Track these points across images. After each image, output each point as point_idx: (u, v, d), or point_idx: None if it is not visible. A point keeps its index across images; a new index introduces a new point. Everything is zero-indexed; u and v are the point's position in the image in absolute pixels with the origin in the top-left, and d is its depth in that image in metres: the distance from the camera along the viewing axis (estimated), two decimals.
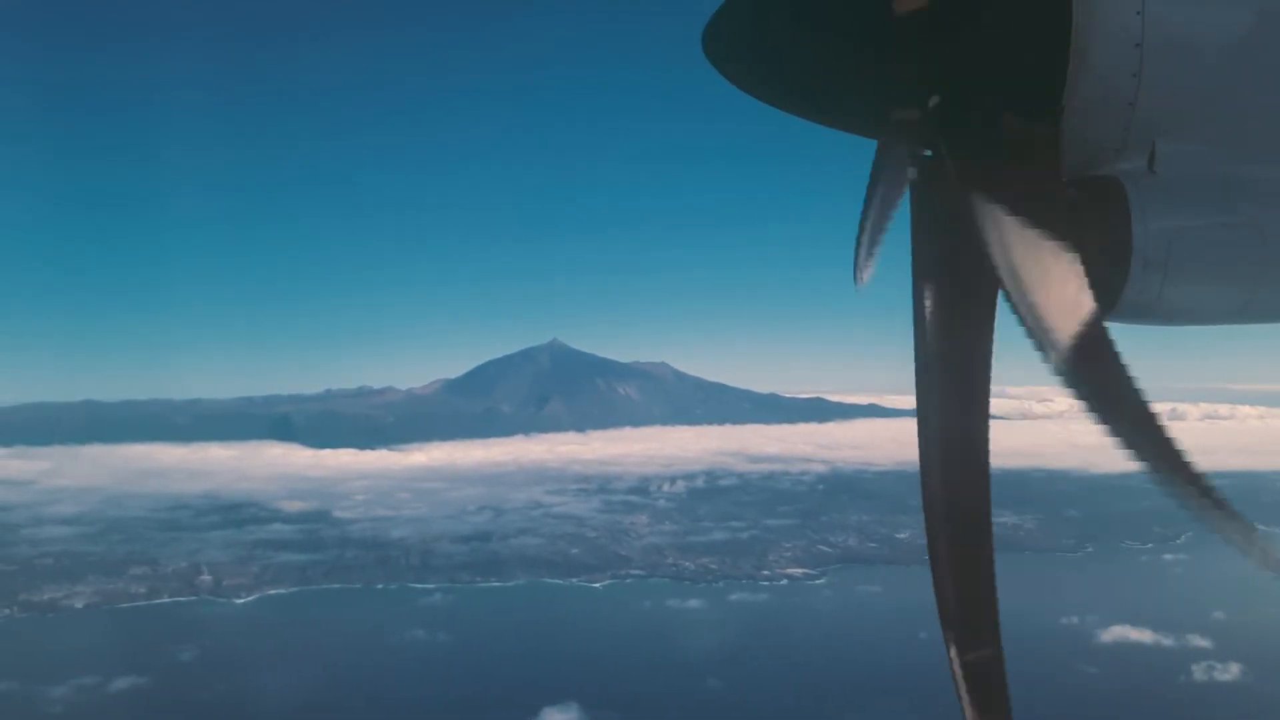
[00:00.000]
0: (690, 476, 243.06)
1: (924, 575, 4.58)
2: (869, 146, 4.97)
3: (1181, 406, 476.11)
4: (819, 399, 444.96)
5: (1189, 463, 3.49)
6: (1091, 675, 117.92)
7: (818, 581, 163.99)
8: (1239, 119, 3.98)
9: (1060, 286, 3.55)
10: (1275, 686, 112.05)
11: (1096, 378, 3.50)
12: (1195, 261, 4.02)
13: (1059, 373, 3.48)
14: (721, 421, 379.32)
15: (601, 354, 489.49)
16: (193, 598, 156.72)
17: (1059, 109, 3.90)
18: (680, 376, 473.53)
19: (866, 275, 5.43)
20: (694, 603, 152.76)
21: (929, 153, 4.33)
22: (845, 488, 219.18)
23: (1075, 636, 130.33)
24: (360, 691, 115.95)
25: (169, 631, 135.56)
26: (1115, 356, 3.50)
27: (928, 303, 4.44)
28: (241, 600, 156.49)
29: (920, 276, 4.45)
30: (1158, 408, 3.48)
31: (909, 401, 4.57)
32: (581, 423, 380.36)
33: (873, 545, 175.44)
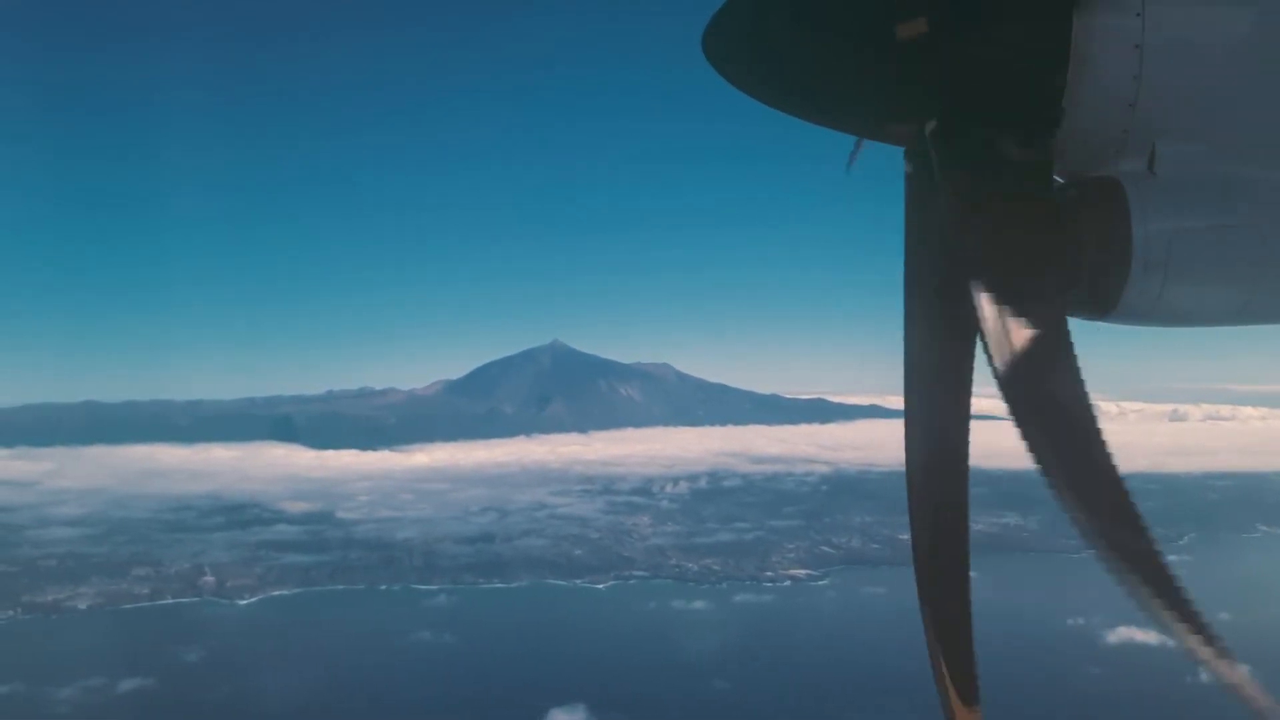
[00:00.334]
0: (693, 477, 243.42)
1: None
2: (873, 148, 4.96)
3: (1183, 407, 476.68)
4: (820, 400, 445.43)
5: (1132, 510, 3.49)
6: (1099, 676, 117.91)
7: (821, 583, 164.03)
8: (1239, 120, 3.99)
9: (1014, 310, 3.61)
10: None
11: (1034, 400, 3.58)
12: (1195, 263, 4.01)
13: (999, 383, 3.58)
14: (723, 422, 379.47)
15: (603, 355, 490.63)
16: (196, 599, 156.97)
17: (1058, 116, 3.91)
18: (682, 377, 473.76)
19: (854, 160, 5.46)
20: (699, 604, 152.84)
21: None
22: (848, 489, 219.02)
23: (1081, 638, 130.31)
24: (368, 693, 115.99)
25: (173, 633, 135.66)
26: (1065, 384, 3.56)
27: (917, 301, 4.47)
28: (245, 601, 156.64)
29: (912, 273, 4.48)
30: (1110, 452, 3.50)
31: None
32: (583, 424, 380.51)
33: (876, 546, 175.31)
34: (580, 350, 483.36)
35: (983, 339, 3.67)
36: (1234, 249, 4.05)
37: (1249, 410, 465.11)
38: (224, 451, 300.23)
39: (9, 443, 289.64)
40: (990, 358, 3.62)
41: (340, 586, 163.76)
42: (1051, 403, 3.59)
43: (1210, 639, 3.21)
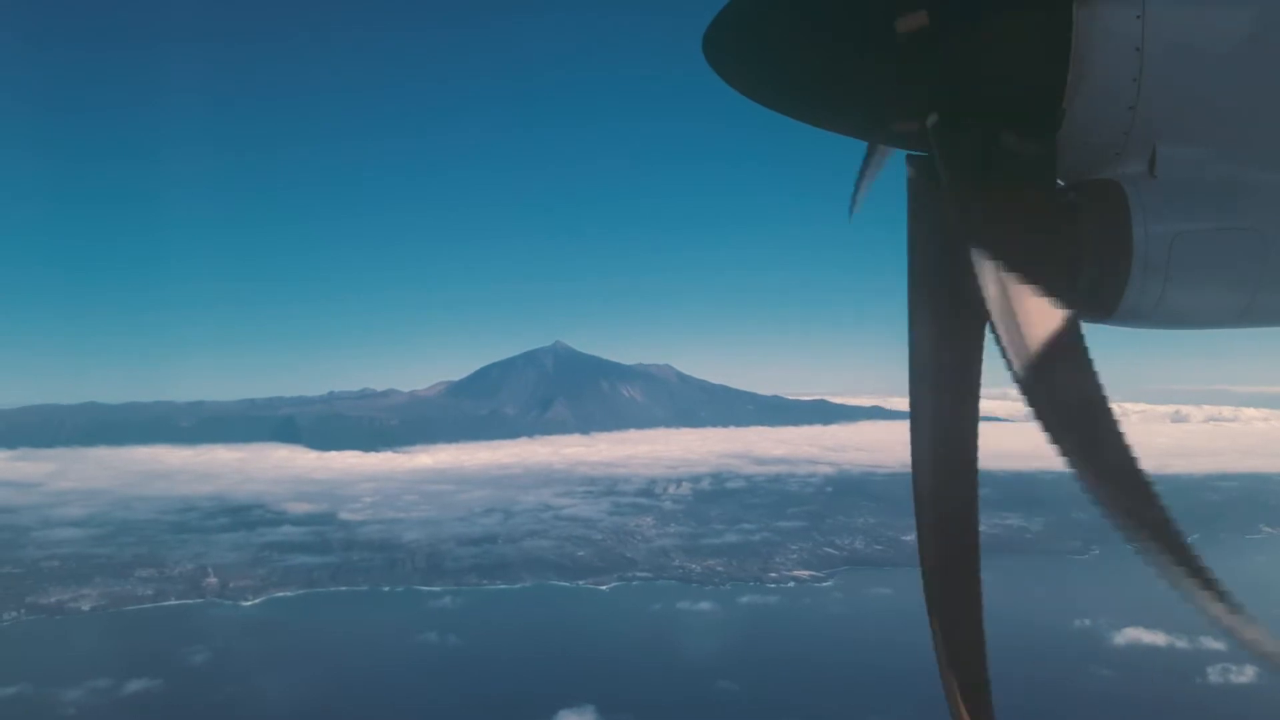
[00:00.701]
0: (696, 479, 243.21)
1: None
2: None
3: (1185, 409, 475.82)
4: (822, 401, 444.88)
5: (1156, 500, 3.47)
6: (1107, 678, 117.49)
7: (825, 584, 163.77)
8: (1240, 122, 3.96)
9: (1026, 306, 3.60)
10: None
11: (1056, 397, 3.53)
12: (1196, 265, 4.01)
13: (1018, 385, 3.55)
14: (726, 424, 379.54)
15: (605, 356, 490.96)
16: (199, 600, 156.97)
17: (1059, 117, 3.90)
18: (684, 378, 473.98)
19: (857, 207, 5.46)
20: (704, 605, 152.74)
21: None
22: (852, 490, 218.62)
23: (1089, 639, 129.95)
24: (375, 694, 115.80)
25: (178, 634, 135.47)
26: (1083, 379, 3.54)
27: (922, 303, 4.47)
28: (248, 603, 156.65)
29: (915, 276, 4.47)
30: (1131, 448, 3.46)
31: None
32: (586, 425, 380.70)
33: (879, 548, 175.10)
34: (582, 351, 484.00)
35: (994, 337, 3.67)
36: (1235, 251, 4.05)
37: (1251, 411, 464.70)
38: (227, 453, 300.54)
39: (11, 444, 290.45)
40: (1004, 355, 3.60)
41: (344, 588, 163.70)
42: (1073, 398, 3.56)
43: (1234, 607, 3.21)
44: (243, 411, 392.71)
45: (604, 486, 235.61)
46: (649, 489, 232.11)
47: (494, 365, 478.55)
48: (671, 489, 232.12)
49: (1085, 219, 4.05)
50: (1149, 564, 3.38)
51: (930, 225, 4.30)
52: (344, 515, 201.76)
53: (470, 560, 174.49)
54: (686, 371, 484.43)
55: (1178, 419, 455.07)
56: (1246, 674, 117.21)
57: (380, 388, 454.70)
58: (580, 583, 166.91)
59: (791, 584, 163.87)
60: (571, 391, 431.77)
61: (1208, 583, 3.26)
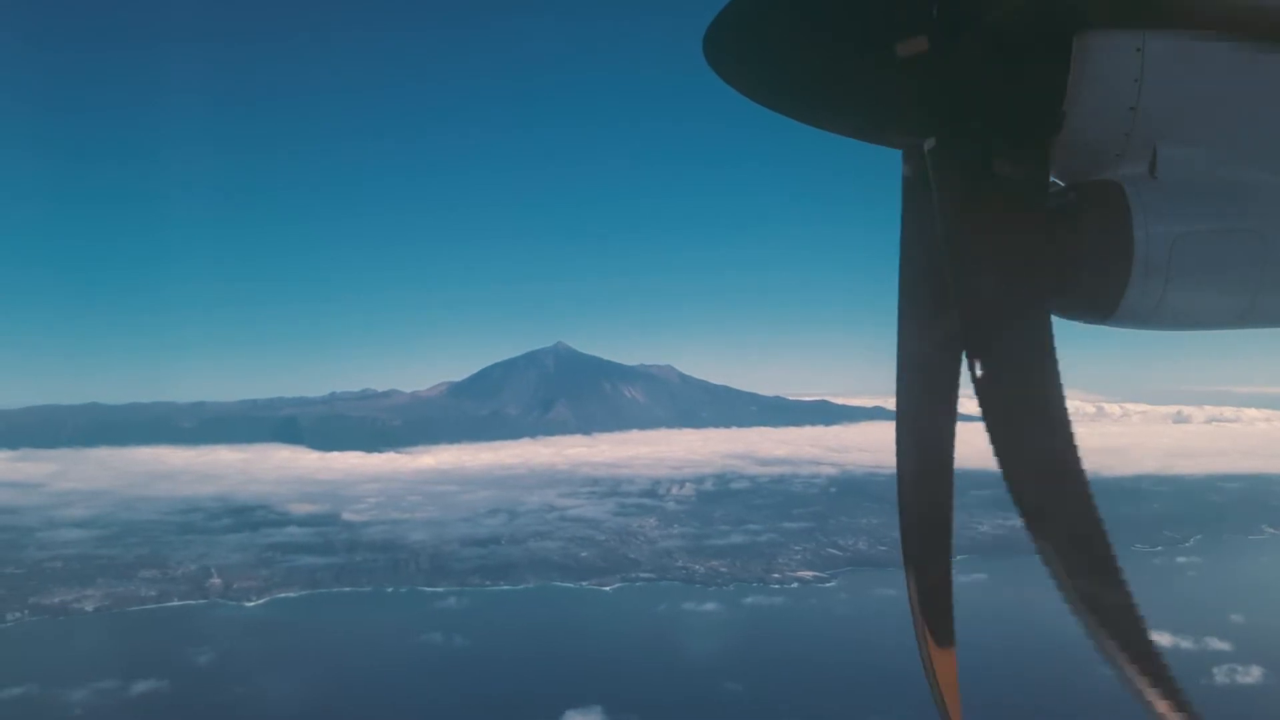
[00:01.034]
0: (699, 480, 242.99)
1: None
2: (876, 152, 5.00)
3: (1187, 409, 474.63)
4: (824, 401, 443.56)
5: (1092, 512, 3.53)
6: (1112, 678, 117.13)
7: (828, 584, 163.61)
8: (1240, 123, 3.97)
9: (1001, 314, 3.72)
10: None
11: (1011, 405, 3.65)
12: (1197, 266, 4.01)
13: (975, 386, 3.64)
14: (728, 424, 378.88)
15: (607, 357, 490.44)
16: (203, 601, 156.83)
17: (1059, 119, 3.90)
18: (686, 379, 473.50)
19: None
20: (709, 606, 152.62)
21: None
22: (856, 491, 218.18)
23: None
24: (381, 695, 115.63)
25: (182, 635, 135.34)
26: (1042, 388, 3.61)
27: (909, 300, 4.50)
28: (252, 603, 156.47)
29: (905, 275, 4.51)
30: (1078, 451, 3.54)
31: None
32: (588, 425, 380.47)
33: (883, 548, 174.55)
34: (584, 352, 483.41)
35: (964, 341, 3.75)
36: (1235, 253, 4.06)
37: (1253, 412, 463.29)
38: (229, 453, 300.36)
39: (13, 444, 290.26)
40: (969, 360, 3.68)
41: (347, 589, 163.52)
42: (1028, 410, 3.65)
43: (1166, 681, 3.30)
44: (244, 412, 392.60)
45: (607, 487, 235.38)
46: (652, 490, 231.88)
47: (495, 366, 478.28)
48: (675, 490, 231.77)
49: (1086, 220, 4.05)
50: (1046, 564, 3.47)
51: (921, 226, 4.29)
52: (347, 516, 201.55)
53: (474, 561, 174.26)
54: (688, 372, 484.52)
55: (1179, 420, 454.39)
56: (1252, 675, 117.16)
57: (381, 388, 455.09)
58: (584, 584, 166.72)
59: (795, 585, 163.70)
60: (573, 392, 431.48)
61: (1137, 643, 3.36)
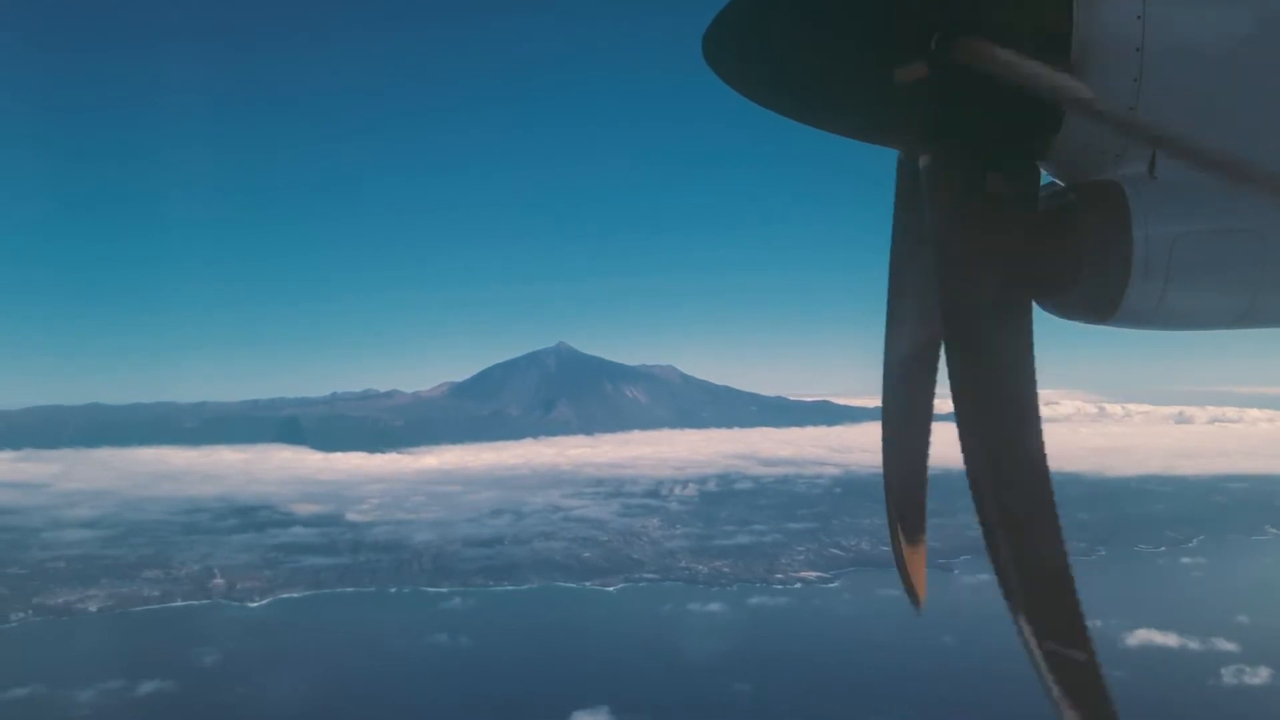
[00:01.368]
0: (702, 480, 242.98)
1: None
2: (876, 152, 5.10)
3: (1189, 410, 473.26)
4: (825, 401, 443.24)
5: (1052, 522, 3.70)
6: (1121, 680, 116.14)
7: (832, 585, 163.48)
8: (1240, 123, 3.96)
9: (983, 317, 3.81)
10: None
11: (981, 406, 3.76)
12: (1196, 266, 4.06)
13: (950, 383, 3.77)
14: (729, 424, 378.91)
15: (608, 357, 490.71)
16: (206, 601, 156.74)
17: (1058, 120, 3.95)
18: (687, 379, 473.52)
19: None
20: (714, 606, 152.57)
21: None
22: (860, 491, 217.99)
23: (1101, 640, 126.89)
24: (385, 696, 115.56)
25: (186, 635, 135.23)
26: (1015, 394, 3.73)
27: (899, 298, 4.62)
28: (255, 604, 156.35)
29: (895, 275, 4.62)
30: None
31: None
32: (589, 426, 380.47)
33: (885, 549, 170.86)
34: (585, 353, 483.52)
35: (945, 341, 3.86)
36: (1235, 253, 4.09)
37: (1255, 412, 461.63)
38: (231, 454, 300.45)
39: (15, 445, 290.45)
40: (947, 359, 3.78)
41: (351, 589, 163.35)
42: (997, 412, 3.76)
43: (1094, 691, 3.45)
44: (246, 412, 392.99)
45: (611, 488, 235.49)
46: (656, 490, 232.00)
47: (497, 366, 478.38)
48: (678, 490, 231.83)
49: (1086, 220, 4.09)
50: (993, 563, 3.62)
51: (913, 226, 4.36)
52: (351, 516, 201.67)
53: (478, 561, 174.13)
54: (689, 372, 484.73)
55: (1181, 420, 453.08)
56: (1260, 675, 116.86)
57: (383, 388, 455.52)
58: (587, 584, 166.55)
59: (799, 585, 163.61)
60: (574, 392, 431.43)
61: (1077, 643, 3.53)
